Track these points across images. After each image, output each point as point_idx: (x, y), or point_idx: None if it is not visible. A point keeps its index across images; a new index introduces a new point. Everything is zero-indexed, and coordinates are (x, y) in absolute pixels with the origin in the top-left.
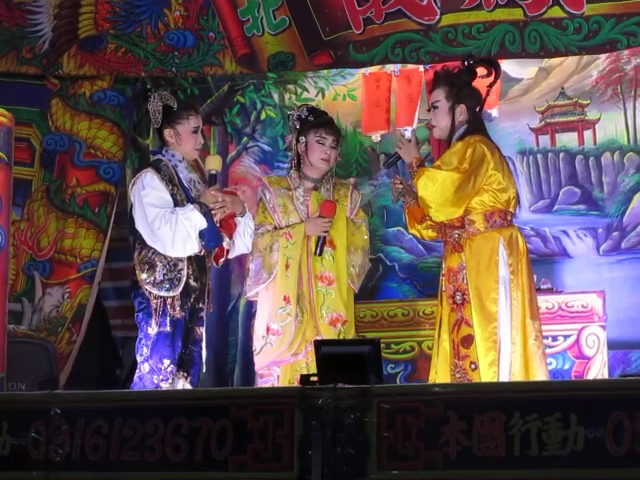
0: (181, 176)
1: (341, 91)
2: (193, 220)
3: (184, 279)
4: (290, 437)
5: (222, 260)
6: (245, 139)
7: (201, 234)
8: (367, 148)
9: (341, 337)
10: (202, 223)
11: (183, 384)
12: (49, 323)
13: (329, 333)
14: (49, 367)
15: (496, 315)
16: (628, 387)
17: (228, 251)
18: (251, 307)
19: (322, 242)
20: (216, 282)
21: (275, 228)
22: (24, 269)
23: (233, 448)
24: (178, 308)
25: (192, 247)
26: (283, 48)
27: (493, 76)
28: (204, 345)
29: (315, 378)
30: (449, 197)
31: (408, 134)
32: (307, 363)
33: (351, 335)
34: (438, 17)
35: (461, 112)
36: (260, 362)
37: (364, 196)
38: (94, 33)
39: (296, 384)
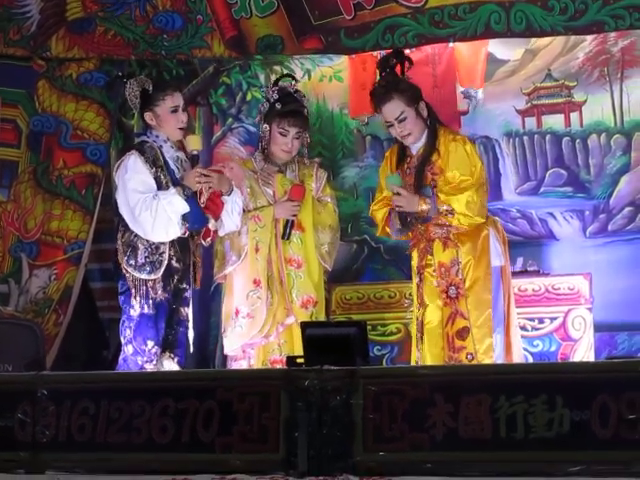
0: (167, 156)
1: (327, 72)
2: (175, 205)
3: (165, 262)
4: (276, 419)
5: (209, 239)
6: (230, 120)
7: (184, 216)
8: (353, 130)
9: (313, 319)
10: (184, 207)
11: (170, 365)
12: (36, 304)
13: (301, 315)
14: (35, 348)
15: (490, 302)
16: (614, 370)
17: (216, 231)
18: None
19: (290, 226)
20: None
21: (242, 210)
22: (11, 250)
23: (219, 430)
24: (160, 290)
25: (174, 231)
26: (272, 31)
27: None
28: (190, 325)
29: (301, 360)
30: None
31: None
32: (279, 345)
33: (322, 316)
34: None
35: (423, 109)
36: (230, 345)
37: (349, 178)
38: (82, 15)
39: (269, 365)
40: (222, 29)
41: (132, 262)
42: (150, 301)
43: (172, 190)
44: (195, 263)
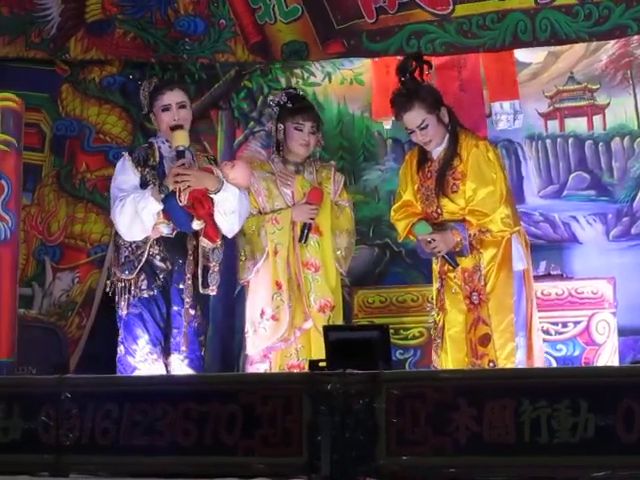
0: (165, 155)
1: (348, 75)
2: (144, 203)
3: (143, 260)
4: (299, 422)
5: (206, 240)
6: (252, 123)
7: (167, 216)
8: (374, 133)
9: (331, 323)
10: (156, 206)
11: (180, 367)
12: (59, 307)
13: (319, 320)
14: (59, 351)
15: (512, 307)
16: (638, 374)
17: (215, 232)
18: None
19: (308, 229)
20: (223, 267)
21: (260, 212)
22: (34, 254)
23: (242, 433)
24: (143, 288)
25: (142, 230)
26: (297, 37)
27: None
28: (196, 325)
29: (323, 364)
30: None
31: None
32: (297, 349)
33: (339, 320)
34: (452, 7)
35: (444, 115)
36: (253, 347)
37: (371, 181)
38: (102, 17)
39: (287, 370)
40: (246, 34)
41: (116, 262)
42: (133, 300)
43: (148, 189)
44: (207, 267)
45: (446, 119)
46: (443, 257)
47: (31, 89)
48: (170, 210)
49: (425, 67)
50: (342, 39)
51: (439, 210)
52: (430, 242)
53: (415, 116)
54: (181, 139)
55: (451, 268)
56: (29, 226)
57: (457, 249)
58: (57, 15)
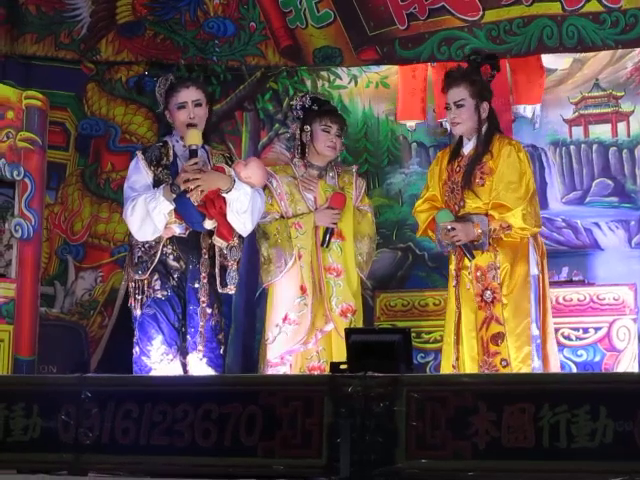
0: (179, 154)
1: (374, 78)
2: (154, 203)
3: (156, 260)
4: (319, 424)
5: (214, 237)
6: (277, 125)
7: (179, 216)
8: (399, 137)
9: (352, 326)
10: (167, 206)
11: (199, 366)
12: (81, 307)
13: (341, 323)
14: (80, 350)
15: (529, 311)
16: None
17: (229, 232)
18: None
19: (330, 234)
20: (245, 268)
21: (282, 217)
22: (57, 252)
23: (262, 434)
24: (157, 288)
25: (155, 230)
26: (329, 42)
27: (493, 71)
28: (214, 324)
29: (344, 366)
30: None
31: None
32: (317, 351)
33: (360, 324)
34: (481, 13)
35: (484, 110)
36: (274, 352)
37: (395, 185)
38: (132, 19)
39: (307, 372)
40: (277, 38)
41: (129, 262)
42: (147, 300)
43: (159, 188)
44: (225, 266)
45: (484, 114)
46: (460, 247)
47: (57, 88)
48: (182, 209)
49: (494, 71)
50: (375, 46)
51: (462, 203)
52: (450, 231)
53: (458, 92)
54: (194, 138)
55: (466, 264)
56: (52, 225)
57: (476, 242)
58: (87, 16)
